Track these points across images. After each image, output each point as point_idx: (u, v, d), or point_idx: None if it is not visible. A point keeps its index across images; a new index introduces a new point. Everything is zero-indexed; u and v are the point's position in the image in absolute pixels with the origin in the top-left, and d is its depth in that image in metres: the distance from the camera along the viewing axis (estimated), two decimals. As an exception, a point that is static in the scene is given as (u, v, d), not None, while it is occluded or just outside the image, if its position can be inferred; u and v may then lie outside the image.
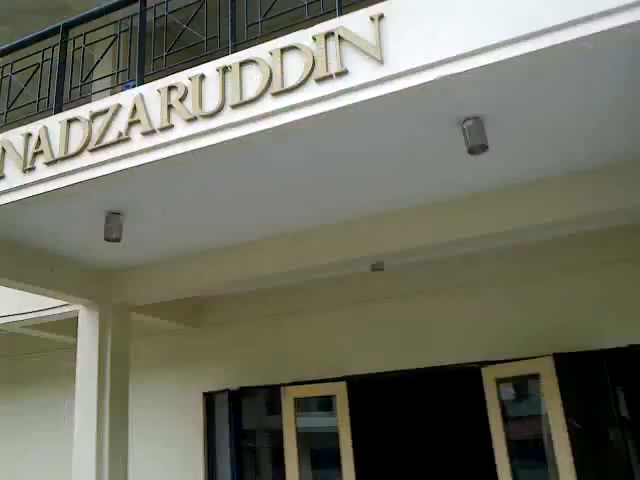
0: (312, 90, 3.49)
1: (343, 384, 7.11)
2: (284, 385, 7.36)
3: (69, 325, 7.11)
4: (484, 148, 3.81)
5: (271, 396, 7.66)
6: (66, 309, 6.79)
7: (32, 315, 6.99)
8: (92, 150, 4.14)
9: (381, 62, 3.34)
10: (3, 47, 4.94)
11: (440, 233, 5.19)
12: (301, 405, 7.43)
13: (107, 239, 5.16)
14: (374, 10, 3.44)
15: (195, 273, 6.25)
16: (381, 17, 3.40)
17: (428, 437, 9.50)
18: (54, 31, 4.75)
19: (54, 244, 5.86)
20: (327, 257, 5.66)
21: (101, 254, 6.15)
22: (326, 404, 7.50)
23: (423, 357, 6.89)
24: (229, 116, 3.72)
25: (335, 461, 7.02)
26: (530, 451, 6.55)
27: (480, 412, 6.50)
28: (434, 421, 9.68)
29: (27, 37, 4.90)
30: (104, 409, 6.28)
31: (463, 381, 7.40)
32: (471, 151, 3.83)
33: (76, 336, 6.64)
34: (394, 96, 3.33)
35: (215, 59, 3.88)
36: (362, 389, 7.35)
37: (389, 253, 5.53)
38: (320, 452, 7.51)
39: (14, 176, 4.38)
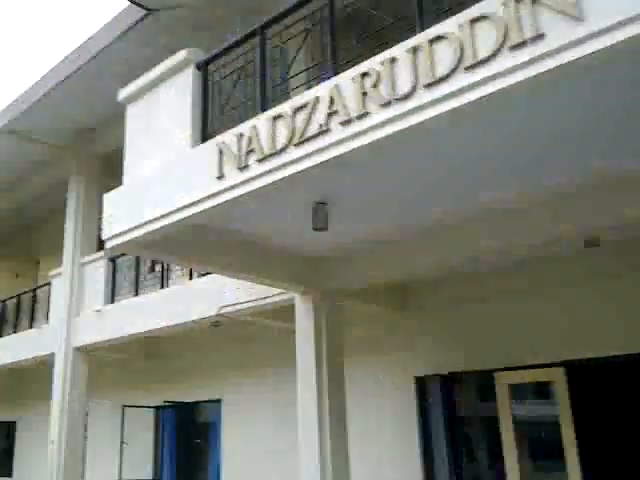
0: (506, 59, 3.34)
1: (561, 370, 6.70)
2: (496, 370, 7.14)
3: (286, 312, 7.64)
4: None
5: (484, 381, 7.47)
6: (283, 297, 7.29)
7: (254, 304, 7.62)
8: (297, 144, 4.37)
9: (581, 20, 3.10)
10: (210, 54, 5.39)
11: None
12: (516, 392, 7.15)
13: (315, 229, 5.45)
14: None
15: (402, 257, 6.32)
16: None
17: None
18: (253, 33, 5.08)
19: (268, 236, 6.33)
20: (539, 233, 5.39)
21: (311, 243, 6.50)
22: (544, 391, 7.13)
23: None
24: (423, 96, 3.71)
25: (557, 452, 6.66)
26: None
27: None
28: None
29: (230, 42, 5.26)
30: (323, 392, 6.65)
31: None
32: None
33: (292, 322, 7.12)
34: (599, 54, 3.06)
35: (404, 40, 3.89)
36: (583, 375, 6.85)
37: (607, 226, 5.11)
38: (539, 441, 7.16)
39: (231, 175, 4.79)
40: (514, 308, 7.24)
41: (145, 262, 9.73)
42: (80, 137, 11.15)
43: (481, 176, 4.99)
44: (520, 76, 3.31)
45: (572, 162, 4.70)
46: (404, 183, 5.13)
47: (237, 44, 5.20)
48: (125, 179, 5.89)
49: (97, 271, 10.51)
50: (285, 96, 4.74)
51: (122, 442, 10.61)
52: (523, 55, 3.30)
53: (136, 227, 5.46)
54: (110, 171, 9.27)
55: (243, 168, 4.69)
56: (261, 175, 4.59)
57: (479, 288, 7.49)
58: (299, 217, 5.55)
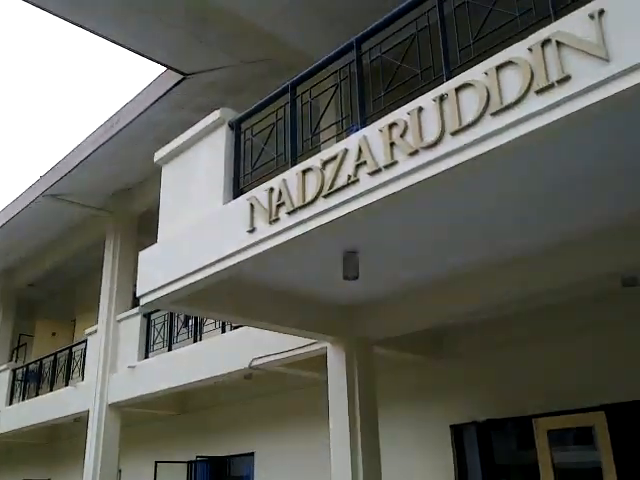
0: (533, 103, 3.40)
1: (602, 413, 6.52)
2: (535, 416, 6.98)
3: (316, 362, 7.60)
4: None
5: (521, 428, 7.29)
6: (315, 347, 7.26)
7: (285, 355, 7.60)
8: (326, 195, 4.45)
9: (607, 60, 3.15)
10: (242, 113, 5.57)
11: None
12: (555, 437, 6.95)
13: (346, 277, 5.48)
14: (592, 7, 3.26)
15: (433, 304, 6.31)
16: (601, 13, 3.22)
17: None
18: (284, 91, 5.26)
19: (299, 287, 6.38)
20: (574, 274, 5.34)
21: (342, 292, 6.51)
22: (584, 436, 6.92)
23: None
24: (450, 144, 3.77)
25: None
26: None
27: None
28: None
29: (261, 100, 5.45)
30: (356, 441, 6.54)
31: None
32: None
33: (323, 372, 7.08)
34: (626, 93, 3.10)
35: (431, 89, 3.98)
36: (624, 418, 6.65)
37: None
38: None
39: (262, 228, 4.87)
40: (549, 352, 7.11)
41: (179, 317, 9.82)
42: (117, 198, 11.55)
43: (511, 221, 5.02)
44: (547, 119, 3.35)
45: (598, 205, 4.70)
46: (433, 230, 5.16)
47: (269, 102, 5.36)
48: (159, 237, 6.03)
49: (132, 327, 10.62)
50: (315, 150, 4.84)
51: (155, 497, 10.48)
52: (551, 97, 3.34)
53: (169, 283, 5.55)
54: (145, 230, 9.49)
55: (273, 221, 4.78)
56: (291, 227, 4.66)
57: (513, 332, 7.38)
58: (330, 266, 5.58)
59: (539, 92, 3.38)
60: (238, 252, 4.97)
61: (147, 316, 10.42)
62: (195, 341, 9.31)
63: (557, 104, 3.31)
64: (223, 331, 8.78)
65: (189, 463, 11.02)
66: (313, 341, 7.22)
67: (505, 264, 5.65)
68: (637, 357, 6.48)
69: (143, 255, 6.06)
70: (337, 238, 5.14)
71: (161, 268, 5.71)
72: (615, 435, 6.48)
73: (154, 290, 5.69)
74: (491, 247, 5.46)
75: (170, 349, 9.77)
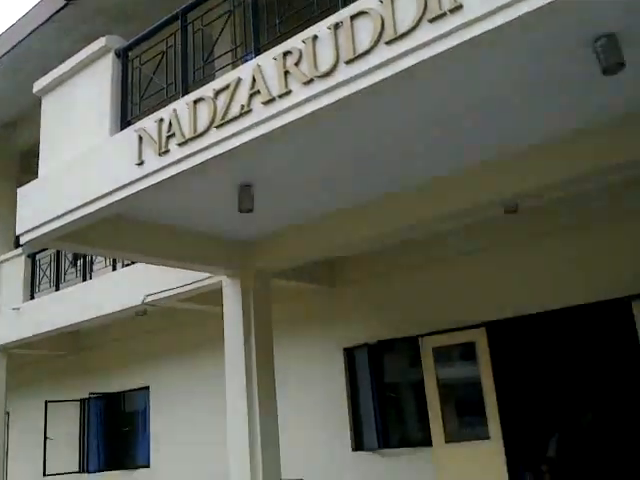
0: (426, 32, 3.41)
1: (482, 330, 7.03)
2: (421, 335, 7.41)
3: (212, 296, 7.59)
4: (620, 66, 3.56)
5: (409, 348, 7.73)
6: (210, 281, 7.22)
7: (180, 290, 7.51)
8: (218, 126, 4.32)
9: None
10: (130, 41, 5.24)
11: (583, 164, 4.92)
12: (441, 355, 7.42)
13: (240, 210, 5.42)
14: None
15: (327, 235, 6.42)
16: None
17: (576, 379, 9.18)
18: (174, 18, 4.97)
19: (194, 221, 6.26)
20: (459, 203, 5.58)
21: (238, 226, 6.47)
22: (466, 352, 7.42)
23: (565, 296, 6.65)
24: (344, 72, 3.74)
25: (478, 409, 6.99)
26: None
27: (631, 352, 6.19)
28: (581, 362, 9.32)
29: (150, 27, 5.14)
30: (252, 370, 6.66)
31: (611, 318, 7.07)
32: (606, 71, 3.60)
33: (219, 306, 7.08)
34: (516, 22, 3.18)
35: (326, 18, 3.90)
36: (503, 334, 7.22)
37: (523, 192, 5.35)
38: (463, 402, 7.50)
39: (151, 160, 4.68)
40: (436, 276, 7.52)
41: (66, 256, 9.40)
42: (-2, 133, 10.67)
43: (399, 154, 5.11)
44: (439, 47, 3.38)
45: (491, 132, 4.87)
46: (326, 163, 5.18)
47: (159, 28, 5.08)
48: (40, 172, 5.66)
49: (15, 268, 10.10)
50: (209, 80, 4.65)
51: (45, 438, 10.29)
52: (443, 26, 3.36)
53: (51, 220, 5.27)
54: (30, 169, 8.88)
55: (163, 153, 4.62)
56: (182, 159, 4.53)
57: (402, 260, 7.72)
58: (224, 200, 5.51)
59: (432, 21, 3.39)
60: (126, 186, 4.78)
61: (32, 256, 9.91)
62: (85, 280, 8.97)
63: (449, 32, 3.34)
64: (114, 269, 8.50)
65: (82, 401, 10.85)
66: (208, 275, 7.17)
67: (392, 195, 5.81)
68: (517, 277, 6.99)
69: (22, 191, 5.68)
70: (231, 171, 5.05)
71: (42, 204, 5.39)
72: (494, 350, 7.01)
73: (35, 228, 5.38)
74: (381, 179, 5.57)
75: (58, 289, 9.37)
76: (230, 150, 4.31)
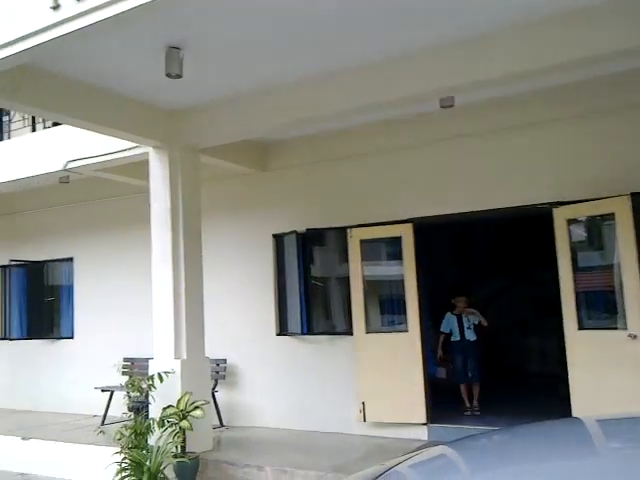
0: None
1: (409, 225, 7.06)
2: (350, 227, 7.40)
3: (138, 168, 7.31)
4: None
5: (339, 238, 7.73)
6: (135, 151, 6.92)
7: (104, 158, 7.18)
8: (144, -30, 3.92)
9: None
10: None
11: (523, 61, 4.82)
12: (367, 250, 7.45)
13: (168, 75, 5.11)
14: None
15: (261, 113, 6.19)
16: None
17: (495, 281, 9.57)
18: None
19: (120, 83, 5.89)
20: (395, 92, 5.42)
21: (167, 94, 6.15)
22: (393, 249, 7.45)
23: (492, 198, 6.70)
24: None
25: (401, 304, 7.17)
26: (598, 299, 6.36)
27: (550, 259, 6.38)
28: (504, 265, 9.71)
29: None
30: (178, 248, 6.59)
31: (534, 224, 7.25)
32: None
33: (146, 179, 6.84)
34: None
35: None
36: (428, 232, 7.29)
37: (460, 86, 5.23)
38: (386, 295, 7.64)
39: (70, 4, 4.23)
40: (371, 168, 7.42)
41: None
42: None
43: (350, 28, 4.84)
44: None
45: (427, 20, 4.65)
46: (264, 29, 4.86)
47: None
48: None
49: None
50: None
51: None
52: None
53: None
54: None
55: (83, -3, 4.17)
56: (104, 5, 4.09)
57: (337, 149, 7.57)
58: (152, 62, 5.15)
59: None
60: (39, 32, 4.33)
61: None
62: (1, 140, 8.44)
63: None
64: (34, 129, 8.01)
65: (2, 268, 10.57)
66: (135, 145, 6.85)
67: (333, 74, 5.59)
68: (447, 176, 6.98)
69: None
70: (159, 28, 4.69)
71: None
72: (418, 247, 7.09)
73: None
74: (322, 56, 5.32)
75: (-29, 148, 8.82)
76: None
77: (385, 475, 2.17)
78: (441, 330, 7.80)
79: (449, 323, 7.76)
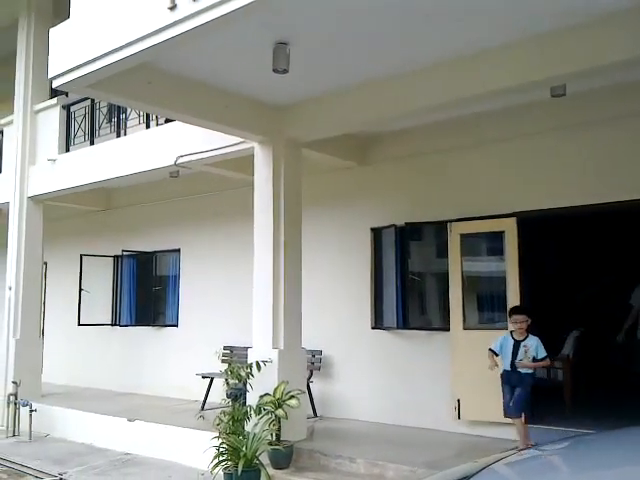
0: None
1: (512, 220, 6.87)
2: (450, 221, 7.31)
3: (244, 163, 7.55)
4: None
5: (438, 233, 7.64)
6: (242, 146, 7.15)
7: (212, 153, 7.47)
8: (255, -29, 4.05)
9: None
10: None
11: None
12: (468, 245, 7.32)
13: (275, 70, 5.25)
14: None
15: (362, 105, 6.21)
16: None
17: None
18: None
19: (228, 80, 6.10)
20: (501, 81, 5.29)
21: (272, 90, 6.31)
22: (495, 244, 7.27)
23: (601, 192, 6.40)
24: None
25: (501, 300, 6.98)
26: None
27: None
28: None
29: None
30: (279, 238, 6.77)
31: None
32: None
33: (251, 173, 7.06)
34: None
35: None
36: (533, 226, 7.05)
37: (573, 74, 5.02)
38: (486, 291, 7.47)
39: (185, 5, 4.43)
40: (472, 161, 7.29)
41: (101, 110, 9.35)
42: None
43: (448, 17, 4.79)
44: None
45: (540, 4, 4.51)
46: (366, 21, 4.88)
47: None
48: (72, 12, 5.48)
49: (51, 119, 10.03)
50: None
51: (80, 289, 10.76)
52: None
53: (84, 64, 5.16)
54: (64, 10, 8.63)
55: (198, -3, 4.36)
56: (216, 4, 4.28)
57: (438, 141, 7.48)
58: (259, 58, 5.33)
59: None
60: (157, 32, 4.58)
61: (67, 108, 9.87)
62: (118, 136, 8.98)
63: None
64: (148, 126, 8.46)
65: (115, 257, 11.23)
66: (241, 140, 7.09)
67: (441, 64, 5.54)
68: (549, 167, 6.73)
69: (55, 32, 5.54)
70: (265, 24, 4.83)
71: (75, 48, 5.26)
72: (523, 241, 6.88)
73: (68, 71, 5.29)
74: (425, 44, 5.27)
75: (92, 143, 9.43)
76: (265, -1, 4.07)
77: (480, 474, 2.15)
78: (491, 348, 6.04)
79: (503, 346, 5.96)
